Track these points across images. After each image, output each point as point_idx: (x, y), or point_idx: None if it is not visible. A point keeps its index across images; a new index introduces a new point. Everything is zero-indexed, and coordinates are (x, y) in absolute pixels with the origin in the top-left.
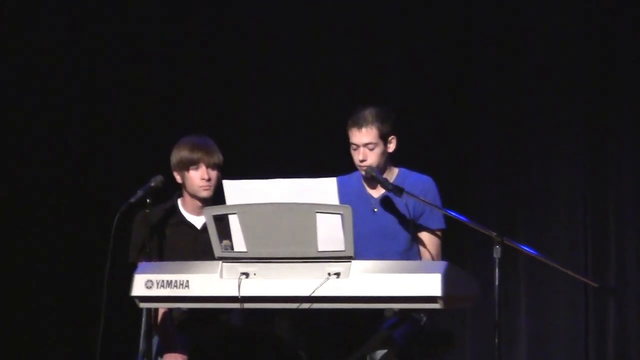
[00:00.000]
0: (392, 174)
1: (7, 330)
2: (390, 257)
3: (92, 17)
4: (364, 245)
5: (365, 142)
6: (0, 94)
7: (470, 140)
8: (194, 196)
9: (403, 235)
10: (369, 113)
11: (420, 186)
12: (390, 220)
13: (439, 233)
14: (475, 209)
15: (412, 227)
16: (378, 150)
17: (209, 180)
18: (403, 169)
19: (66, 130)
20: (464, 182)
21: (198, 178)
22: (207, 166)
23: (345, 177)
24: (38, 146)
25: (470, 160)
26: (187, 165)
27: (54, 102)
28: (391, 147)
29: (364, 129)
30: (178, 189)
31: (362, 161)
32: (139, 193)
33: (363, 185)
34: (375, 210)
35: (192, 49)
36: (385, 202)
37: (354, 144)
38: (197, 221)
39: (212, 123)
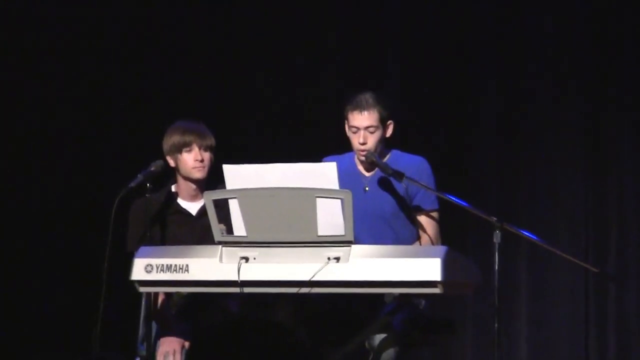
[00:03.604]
0: (385, 157)
1: (7, 315)
2: (382, 237)
3: (91, 17)
4: (355, 224)
5: (367, 125)
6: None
7: (471, 128)
8: (187, 179)
9: (395, 215)
10: (370, 96)
11: (414, 167)
12: (382, 200)
13: (434, 214)
14: (476, 193)
15: (406, 208)
16: (377, 134)
17: (202, 161)
18: (395, 151)
19: (64, 130)
20: (465, 168)
21: (191, 160)
22: (200, 148)
23: (337, 157)
24: (37, 147)
25: (471, 147)
26: (179, 148)
27: (53, 103)
28: (388, 132)
29: (365, 112)
30: (172, 176)
31: (362, 144)
32: (139, 177)
33: (355, 165)
34: (367, 189)
35: (190, 41)
36: (377, 182)
37: (355, 127)
38: (192, 207)
39: (212, 110)
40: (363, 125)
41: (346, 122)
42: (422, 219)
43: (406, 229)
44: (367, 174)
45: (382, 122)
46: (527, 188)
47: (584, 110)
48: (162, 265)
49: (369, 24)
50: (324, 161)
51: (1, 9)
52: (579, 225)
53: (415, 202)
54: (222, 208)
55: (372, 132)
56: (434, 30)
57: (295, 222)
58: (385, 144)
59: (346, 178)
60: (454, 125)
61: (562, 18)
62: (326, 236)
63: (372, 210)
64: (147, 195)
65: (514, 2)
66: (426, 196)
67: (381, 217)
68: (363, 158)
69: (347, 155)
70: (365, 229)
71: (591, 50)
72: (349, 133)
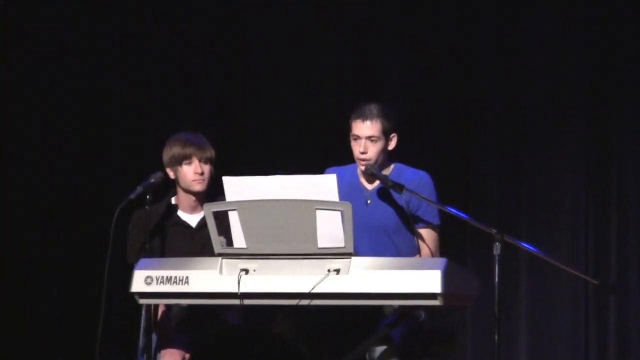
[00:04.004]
0: (388, 170)
1: (8, 326)
2: (383, 250)
3: (90, 17)
4: (355, 236)
5: (368, 135)
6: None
7: (471, 138)
8: (187, 191)
9: (396, 228)
10: (374, 107)
11: (416, 182)
12: (383, 213)
13: (435, 229)
14: (476, 205)
15: (407, 221)
16: (379, 144)
17: (202, 174)
18: (399, 164)
19: (65, 131)
20: (465, 179)
21: (191, 172)
22: (200, 160)
23: (340, 168)
24: (37, 146)
25: (471, 157)
26: (179, 160)
27: (53, 102)
28: (391, 144)
29: (368, 122)
30: (172, 187)
31: (362, 153)
32: (139, 189)
33: (357, 177)
34: (369, 202)
35: (190, 48)
36: (379, 194)
37: (356, 135)
38: (192, 220)
39: (212, 121)
40: (364, 134)
41: (350, 131)
42: (423, 232)
43: (407, 242)
44: (369, 187)
45: (385, 134)
46: (527, 188)
47: (586, 118)
48: (162, 277)
49: (368, 30)
50: (327, 172)
51: (1, 9)
52: (578, 228)
53: (418, 217)
54: (222, 220)
55: (373, 142)
56: (434, 36)
57: (295, 234)
58: (388, 157)
59: (348, 190)
60: (454, 130)
61: (562, 19)
62: (326, 248)
63: (373, 223)
64: (146, 207)
65: (513, 7)
66: (428, 210)
67: (382, 230)
68: (363, 167)
69: (350, 166)
70: (366, 242)
71: (591, 51)
72: (352, 142)
